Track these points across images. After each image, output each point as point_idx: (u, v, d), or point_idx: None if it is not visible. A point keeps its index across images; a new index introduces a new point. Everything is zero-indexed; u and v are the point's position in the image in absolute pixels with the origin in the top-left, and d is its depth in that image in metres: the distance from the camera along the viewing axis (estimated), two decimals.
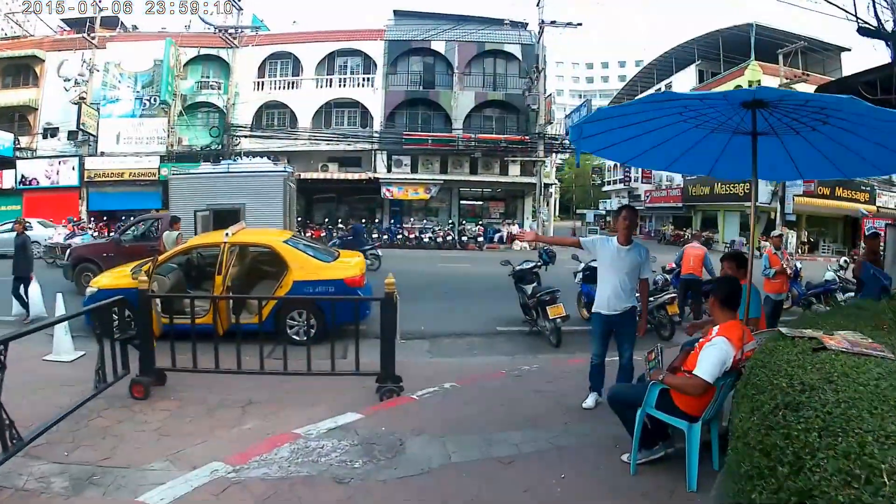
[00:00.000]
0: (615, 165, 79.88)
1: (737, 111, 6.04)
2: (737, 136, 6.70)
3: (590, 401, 7.93)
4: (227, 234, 11.45)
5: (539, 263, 14.08)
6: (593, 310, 7.92)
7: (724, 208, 52.89)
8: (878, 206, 48.15)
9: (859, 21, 11.85)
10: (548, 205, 47.02)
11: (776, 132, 6.41)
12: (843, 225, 50.74)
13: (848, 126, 5.68)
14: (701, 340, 5.71)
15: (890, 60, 11.42)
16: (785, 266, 13.23)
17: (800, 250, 45.96)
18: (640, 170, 68.38)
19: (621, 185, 78.75)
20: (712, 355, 5.36)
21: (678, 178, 61.00)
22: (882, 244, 12.37)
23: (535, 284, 13.34)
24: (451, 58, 47.21)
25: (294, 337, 11.09)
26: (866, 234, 11.93)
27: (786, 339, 4.60)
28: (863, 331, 4.80)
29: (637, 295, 7.95)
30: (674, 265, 15.58)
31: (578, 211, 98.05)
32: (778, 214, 45.68)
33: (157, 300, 9.70)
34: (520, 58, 47.13)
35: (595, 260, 13.66)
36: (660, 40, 79.16)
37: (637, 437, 5.90)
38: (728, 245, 46.86)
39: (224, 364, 8.29)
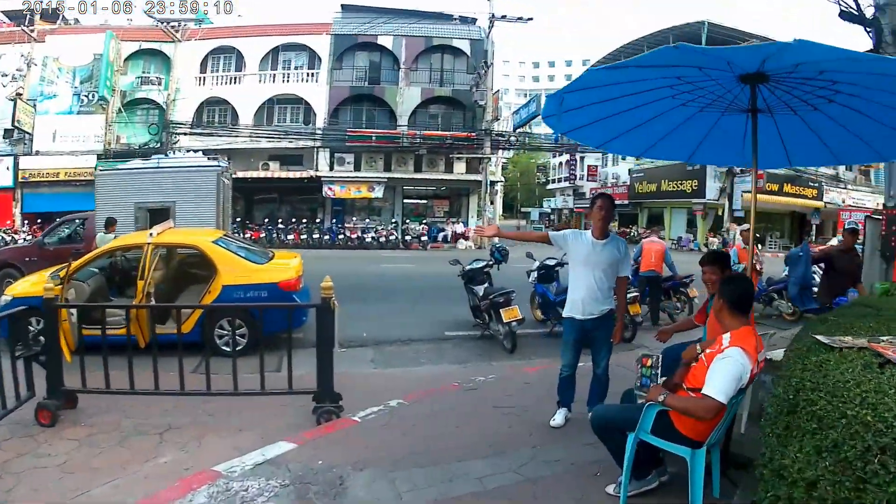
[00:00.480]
0: (560, 163, 79.74)
1: (735, 84, 5.25)
2: (726, 116, 6.01)
3: (559, 418, 6.91)
4: (150, 235, 10.13)
5: (490, 262, 13.08)
6: (565, 314, 6.87)
7: (671, 205, 53.43)
8: (825, 203, 49.04)
9: (842, 4, 11.14)
10: (493, 203, 46.24)
11: (771, 111, 5.69)
12: (791, 220, 51.52)
13: (857, 104, 5.05)
14: (709, 351, 4.65)
15: (871, 48, 10.71)
16: (755, 262, 12.44)
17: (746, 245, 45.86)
18: (585, 167, 68.46)
19: (566, 184, 78.74)
20: (727, 370, 4.31)
21: (624, 176, 61.76)
22: (861, 237, 11.77)
23: (486, 285, 12.42)
24: (397, 53, 46.26)
25: (224, 349, 9.74)
26: (845, 227, 11.22)
27: (831, 351, 3.68)
28: (894, 331, 4.10)
29: (614, 296, 6.97)
30: (632, 262, 14.56)
31: (523, 209, 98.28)
32: (726, 210, 45.92)
33: (73, 310, 8.35)
34: (468, 53, 46.49)
35: (550, 258, 12.96)
36: (610, 39, 79.37)
37: (628, 466, 4.85)
38: (675, 242, 46.82)
39: (142, 382, 7.04)
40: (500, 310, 11.04)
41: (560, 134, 7.39)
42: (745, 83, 5.20)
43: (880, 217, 11.43)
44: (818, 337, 4.00)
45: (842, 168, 53.60)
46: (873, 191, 51.42)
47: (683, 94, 5.44)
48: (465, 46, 46.59)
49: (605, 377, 6.83)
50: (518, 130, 50.76)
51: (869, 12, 11.27)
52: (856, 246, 10.48)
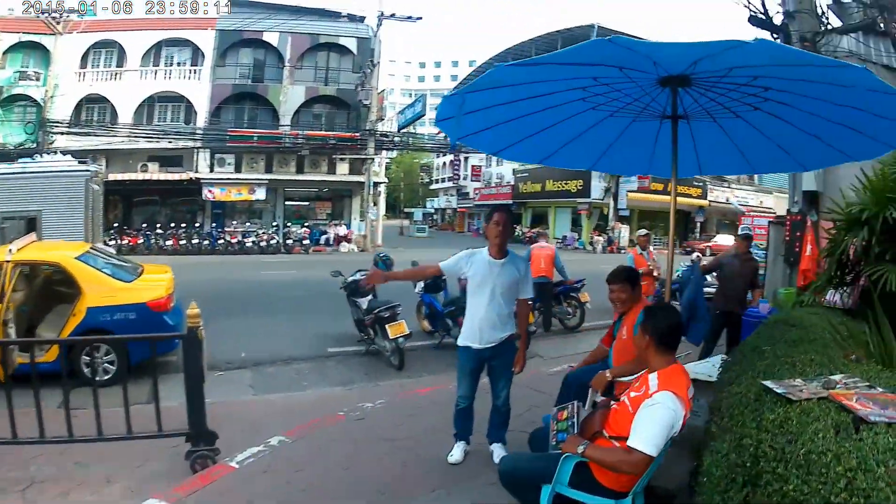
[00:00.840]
0: (444, 163, 79.82)
1: (653, 88, 4.82)
2: (637, 122, 5.66)
3: (457, 453, 6.24)
4: (10, 251, 8.92)
5: None
6: (460, 342, 6.15)
7: (556, 205, 54.21)
8: (709, 201, 50.28)
9: (751, 9, 11.12)
10: (376, 204, 45.36)
11: (689, 117, 5.33)
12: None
13: (784, 112, 4.81)
14: (633, 395, 4.04)
15: None
16: (651, 267, 12.33)
17: (632, 244, 46.76)
18: (469, 167, 68.68)
19: (450, 184, 78.96)
20: (656, 419, 3.69)
21: (508, 176, 62.35)
22: (765, 242, 12.15)
23: (370, 298, 11.64)
24: (283, 50, 44.73)
25: (98, 377, 8.20)
26: (738, 233, 11.06)
27: (789, 404, 3.20)
28: (838, 364, 3.97)
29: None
30: None
31: (406, 209, 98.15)
32: (611, 210, 46.48)
33: None
34: (354, 52, 45.41)
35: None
36: (498, 41, 79.66)
37: None
38: (559, 241, 47.19)
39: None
40: (386, 325, 10.34)
41: (457, 140, 6.72)
42: (665, 86, 4.73)
43: (784, 223, 11.53)
44: (768, 384, 3.51)
45: None
46: (757, 189, 53.01)
47: (596, 96, 4.97)
48: (351, 45, 45.53)
49: (506, 408, 6.24)
50: (402, 130, 50.20)
51: (778, 19, 11.53)
52: (751, 250, 10.15)
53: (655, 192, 46.03)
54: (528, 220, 58.29)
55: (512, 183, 61.34)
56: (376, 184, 44.66)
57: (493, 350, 5.99)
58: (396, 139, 47.35)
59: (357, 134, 43.10)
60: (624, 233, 47.90)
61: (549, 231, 49.91)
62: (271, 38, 44.62)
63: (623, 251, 45.93)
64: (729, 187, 53.36)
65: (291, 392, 9.27)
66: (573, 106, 5.17)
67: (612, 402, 4.40)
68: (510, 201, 59.11)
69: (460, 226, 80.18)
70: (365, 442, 6.76)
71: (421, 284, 12.16)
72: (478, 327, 5.95)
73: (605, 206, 48.71)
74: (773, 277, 11.58)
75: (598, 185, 47.89)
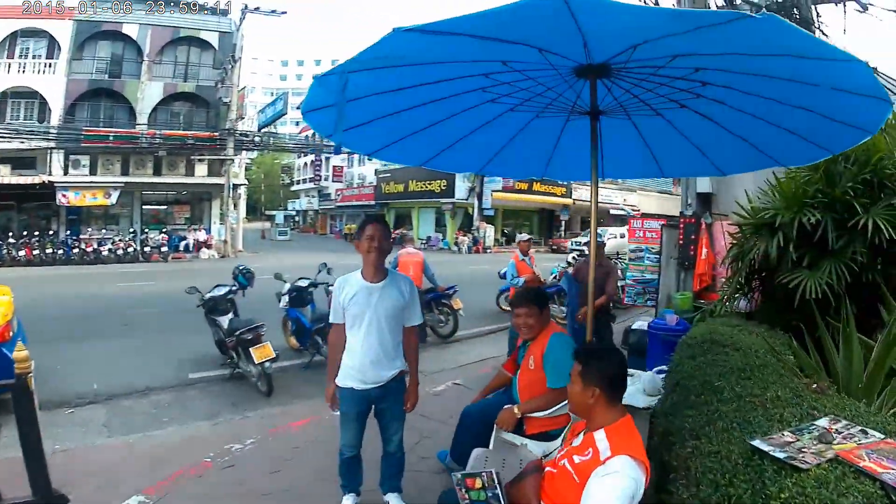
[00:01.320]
0: (306, 164, 78.74)
1: (564, 80, 4.07)
2: (522, 116, 4.88)
3: None
4: None
5: (235, 288, 11.01)
6: (340, 383, 5.07)
7: (419, 205, 54.00)
8: (574, 199, 51.04)
9: None
10: (236, 207, 43.64)
11: (604, 113, 4.55)
12: (540, 217, 53.27)
13: (714, 111, 4.23)
14: (578, 460, 3.21)
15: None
16: (537, 273, 11.83)
17: (498, 243, 47.14)
18: (330, 168, 67.74)
19: (311, 185, 78.03)
20: (615, 493, 2.87)
21: (371, 177, 61.79)
22: (658, 245, 11.89)
23: (231, 316, 10.50)
24: (142, 43, 41.77)
25: None
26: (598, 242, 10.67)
27: (796, 473, 2.58)
28: (807, 398, 3.59)
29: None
30: None
31: (268, 212, 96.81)
32: (476, 210, 46.35)
33: None
34: (216, 47, 43.21)
35: (303, 278, 11.34)
36: (365, 38, 79.12)
37: None
38: (424, 242, 46.84)
39: None
40: (250, 348, 9.24)
41: (325, 137, 5.60)
42: (582, 77, 4.00)
43: (677, 225, 11.32)
44: (760, 446, 2.85)
45: None
46: (619, 188, 53.90)
47: (500, 85, 4.14)
48: (213, 39, 43.27)
49: (400, 453, 5.35)
50: (263, 130, 48.52)
51: None
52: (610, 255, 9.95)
53: (520, 191, 46.43)
54: (391, 222, 56.88)
55: (374, 183, 60.65)
56: (236, 186, 42.75)
57: (381, 390, 5.06)
58: (257, 139, 45.67)
59: (216, 133, 41.04)
60: (489, 232, 48.02)
61: (414, 232, 49.78)
62: (131, 30, 41.63)
63: (489, 251, 46.05)
64: None
65: (151, 431, 7.91)
66: (470, 97, 4.33)
67: (544, 464, 3.65)
68: (373, 202, 59.02)
69: (322, 228, 79.49)
70: (237, 498, 5.74)
71: (286, 298, 11.12)
72: (358, 364, 4.98)
73: (470, 206, 48.56)
74: (666, 282, 11.39)
75: (462, 185, 47.81)
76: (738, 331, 5.55)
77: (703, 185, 10.95)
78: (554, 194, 49.88)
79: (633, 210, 42.11)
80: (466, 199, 47.92)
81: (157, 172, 41.89)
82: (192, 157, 41.89)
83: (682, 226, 11.16)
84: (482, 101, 4.41)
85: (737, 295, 7.26)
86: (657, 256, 11.92)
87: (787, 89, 3.53)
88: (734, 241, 7.15)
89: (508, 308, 13.43)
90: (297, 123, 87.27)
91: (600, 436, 3.17)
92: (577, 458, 3.23)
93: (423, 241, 47.84)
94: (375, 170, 60.51)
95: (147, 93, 41.82)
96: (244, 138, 42.82)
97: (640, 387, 5.96)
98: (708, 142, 4.82)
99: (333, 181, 69.51)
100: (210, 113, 42.70)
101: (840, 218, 5.85)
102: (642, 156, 5.41)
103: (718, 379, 4.02)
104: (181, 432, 7.84)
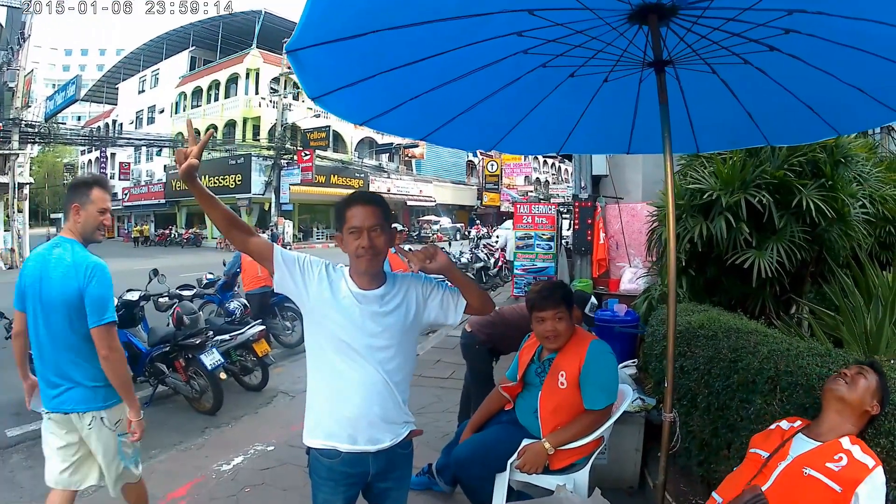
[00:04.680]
0: (90, 161, 73.59)
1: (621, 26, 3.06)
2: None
3: None
4: None
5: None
6: (311, 442, 2.93)
7: None
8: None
9: None
10: (21, 211, 37.72)
11: (675, 65, 3.40)
12: (335, 211, 53.15)
13: (811, 52, 3.02)
14: (841, 467, 2.76)
15: None
16: (412, 268, 10.53)
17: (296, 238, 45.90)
18: (116, 165, 63.40)
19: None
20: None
21: (160, 173, 58.28)
22: (551, 232, 11.56)
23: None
24: None
25: None
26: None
27: None
28: None
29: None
30: (222, 275, 11.61)
31: (53, 216, 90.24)
32: (273, 205, 44.77)
33: None
34: (1, 23, 36.35)
35: (131, 290, 8.54)
36: (155, 27, 75.94)
37: None
38: (220, 241, 44.81)
39: None
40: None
41: (321, 94, 4.05)
42: (637, 23, 3.03)
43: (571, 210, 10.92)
44: None
45: (384, 157, 55.79)
46: (415, 179, 53.96)
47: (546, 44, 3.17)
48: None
49: None
50: (50, 121, 43.34)
51: None
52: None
53: (318, 184, 45.20)
54: (183, 221, 54.78)
55: (164, 181, 56.33)
56: (20, 185, 38.03)
57: (385, 459, 2.94)
58: (44, 131, 40.51)
59: None
60: (287, 228, 46.45)
61: (208, 231, 47.56)
62: None
63: (289, 247, 44.49)
64: (389, 177, 54.12)
65: None
66: (494, 50, 3.21)
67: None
68: (163, 200, 55.34)
69: (109, 231, 73.50)
70: None
71: None
72: (347, 415, 2.86)
73: (267, 201, 46.61)
74: (563, 268, 10.94)
75: (258, 179, 45.78)
76: (710, 317, 5.06)
77: (600, 167, 10.42)
78: (352, 187, 48.44)
79: (428, 200, 42.22)
80: (263, 194, 46.03)
81: None
82: None
83: (576, 210, 10.59)
84: (509, 55, 3.29)
85: (683, 277, 6.79)
86: (549, 243, 11.37)
87: None
88: (661, 223, 6.96)
89: None
90: (80, 118, 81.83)
91: (847, 443, 2.85)
92: (831, 466, 2.80)
93: (219, 241, 45.44)
94: (165, 165, 56.37)
95: None
96: (30, 129, 37.55)
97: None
98: (811, 93, 3.49)
99: (121, 179, 63.90)
100: None
101: (780, 200, 5.88)
102: (731, 119, 3.96)
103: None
104: None
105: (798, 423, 3.10)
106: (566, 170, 69.72)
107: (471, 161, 66.88)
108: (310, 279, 2.93)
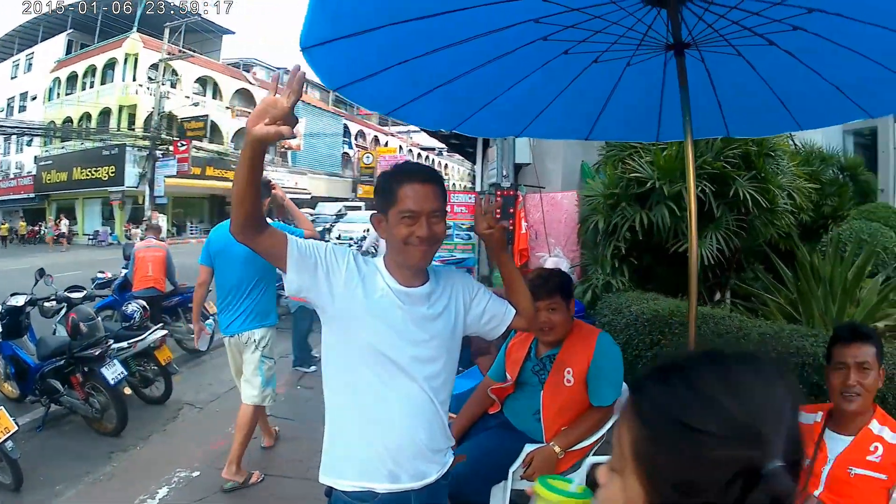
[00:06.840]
0: None
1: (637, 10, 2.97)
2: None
3: None
4: None
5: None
6: (337, 483, 2.27)
7: (84, 196, 47.86)
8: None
9: None
10: None
11: (698, 46, 3.20)
12: (210, 204, 50.98)
13: (839, 31, 2.82)
14: (881, 456, 2.75)
15: None
16: None
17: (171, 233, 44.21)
18: None
19: None
20: None
21: (30, 165, 53.97)
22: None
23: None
24: None
25: None
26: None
27: None
28: None
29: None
30: (120, 272, 10.65)
31: None
32: (147, 198, 43.00)
33: None
34: None
35: (17, 294, 7.42)
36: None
37: None
38: (91, 238, 42.68)
39: None
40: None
41: (332, 88, 3.66)
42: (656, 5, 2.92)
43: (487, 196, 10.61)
44: None
45: None
46: (290, 171, 53.11)
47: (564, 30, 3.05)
48: None
49: None
50: None
51: None
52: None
53: (194, 176, 43.21)
54: (53, 216, 50.09)
55: (34, 173, 52.21)
56: None
57: (425, 496, 2.35)
58: None
59: None
60: (162, 223, 44.52)
61: (79, 227, 45.28)
62: None
63: (164, 241, 42.66)
64: (265, 169, 52.78)
65: None
66: (517, 36, 3.11)
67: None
68: (32, 195, 51.49)
69: None
70: None
71: None
72: (386, 448, 2.26)
73: (141, 195, 44.05)
74: (482, 259, 10.78)
75: (132, 171, 43.17)
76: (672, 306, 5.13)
77: (523, 155, 10.24)
78: (227, 179, 46.15)
79: (304, 193, 41.53)
80: (137, 187, 43.82)
81: None
82: None
83: (498, 199, 9.88)
84: (528, 42, 3.17)
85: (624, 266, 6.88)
86: (469, 233, 10.82)
87: None
88: (594, 212, 7.14)
89: None
90: None
91: (876, 427, 2.81)
92: (871, 459, 2.78)
93: (90, 237, 43.02)
94: (35, 156, 52.36)
95: None
96: None
97: None
98: (842, 75, 3.26)
99: None
100: None
101: (717, 190, 6.08)
102: (760, 103, 3.73)
103: None
104: None
105: (819, 414, 2.94)
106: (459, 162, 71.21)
107: (346, 153, 66.37)
108: (336, 276, 2.23)
